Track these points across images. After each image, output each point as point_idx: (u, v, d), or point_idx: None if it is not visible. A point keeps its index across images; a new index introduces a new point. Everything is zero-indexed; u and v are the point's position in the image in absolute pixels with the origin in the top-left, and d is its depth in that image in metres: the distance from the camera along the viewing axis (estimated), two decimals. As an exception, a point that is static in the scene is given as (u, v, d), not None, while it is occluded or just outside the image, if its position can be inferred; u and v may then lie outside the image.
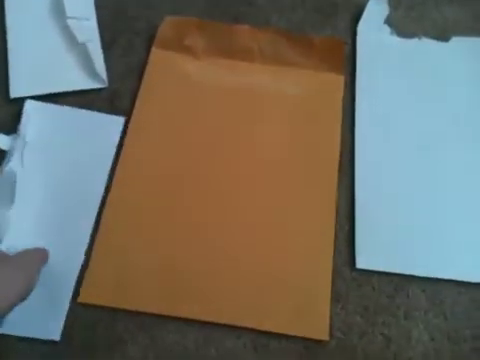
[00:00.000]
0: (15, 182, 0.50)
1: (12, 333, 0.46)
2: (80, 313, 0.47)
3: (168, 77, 0.58)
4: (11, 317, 0.45)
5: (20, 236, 0.49)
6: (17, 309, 0.43)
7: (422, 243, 0.50)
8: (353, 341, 0.47)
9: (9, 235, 0.48)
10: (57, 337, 0.46)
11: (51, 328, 0.46)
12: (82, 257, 0.48)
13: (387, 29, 0.63)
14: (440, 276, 0.48)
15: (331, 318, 0.47)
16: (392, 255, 0.49)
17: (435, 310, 0.48)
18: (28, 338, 0.46)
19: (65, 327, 0.46)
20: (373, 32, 0.62)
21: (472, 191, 0.53)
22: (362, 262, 0.49)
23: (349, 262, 0.49)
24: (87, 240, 0.49)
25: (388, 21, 0.63)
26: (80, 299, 0.47)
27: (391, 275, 0.49)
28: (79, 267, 0.48)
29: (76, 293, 0.47)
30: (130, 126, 0.55)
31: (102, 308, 0.47)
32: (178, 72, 0.58)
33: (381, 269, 0.49)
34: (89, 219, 0.50)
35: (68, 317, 0.47)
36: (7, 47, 0.59)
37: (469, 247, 0.50)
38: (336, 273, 0.49)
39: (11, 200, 0.49)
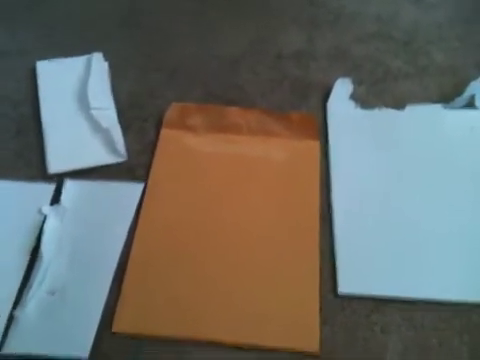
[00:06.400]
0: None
1: (42, 353, 0.54)
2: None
3: (175, 150, 0.72)
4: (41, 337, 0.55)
5: (57, 273, 0.60)
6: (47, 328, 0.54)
7: (393, 270, 0.60)
8: (340, 354, 0.56)
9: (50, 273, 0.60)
10: (85, 355, 0.54)
11: (79, 346, 0.55)
12: (106, 292, 0.58)
13: (352, 103, 0.77)
14: (409, 297, 0.58)
15: (321, 336, 0.56)
16: (368, 281, 0.60)
17: (407, 324, 0.57)
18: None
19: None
20: (340, 107, 0.77)
21: (434, 225, 0.64)
22: (343, 288, 0.59)
23: (333, 290, 0.59)
24: (110, 279, 0.59)
25: (353, 96, 0.77)
26: (114, 329, 0.57)
27: (369, 298, 0.59)
28: (104, 299, 0.58)
29: (109, 324, 0.57)
30: (147, 191, 0.67)
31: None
32: (183, 146, 0.72)
33: (360, 293, 0.59)
34: (112, 262, 0.61)
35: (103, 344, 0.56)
36: (43, 134, 0.72)
37: (433, 272, 0.60)
38: (323, 300, 0.58)
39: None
